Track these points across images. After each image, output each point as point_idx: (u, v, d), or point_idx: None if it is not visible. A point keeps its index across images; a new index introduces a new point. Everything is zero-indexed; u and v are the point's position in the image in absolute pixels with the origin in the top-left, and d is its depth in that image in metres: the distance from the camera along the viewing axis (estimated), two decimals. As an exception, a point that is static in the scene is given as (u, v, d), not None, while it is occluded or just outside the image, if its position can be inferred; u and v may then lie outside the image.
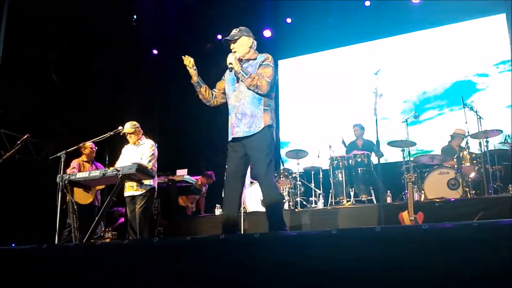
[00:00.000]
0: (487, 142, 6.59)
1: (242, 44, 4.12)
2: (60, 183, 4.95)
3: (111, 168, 5.01)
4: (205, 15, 9.73)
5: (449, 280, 2.14)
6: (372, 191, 7.25)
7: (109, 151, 9.04)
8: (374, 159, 7.47)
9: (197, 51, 10.38)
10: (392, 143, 7.46)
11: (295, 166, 8.01)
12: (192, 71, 4.18)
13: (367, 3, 9.39)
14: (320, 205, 7.46)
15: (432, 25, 9.27)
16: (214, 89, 4.30)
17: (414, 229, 2.82)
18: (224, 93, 4.25)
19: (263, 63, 4.02)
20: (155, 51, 10.63)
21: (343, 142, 8.14)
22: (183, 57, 4.14)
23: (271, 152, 3.94)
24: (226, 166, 4.09)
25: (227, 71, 4.16)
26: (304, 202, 7.67)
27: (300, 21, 9.98)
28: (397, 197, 7.15)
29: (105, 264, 2.97)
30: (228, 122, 4.10)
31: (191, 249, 2.78)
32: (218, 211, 7.63)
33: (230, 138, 4.05)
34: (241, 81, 3.99)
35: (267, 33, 10.27)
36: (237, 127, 3.96)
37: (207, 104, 4.31)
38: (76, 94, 8.81)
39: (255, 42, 4.20)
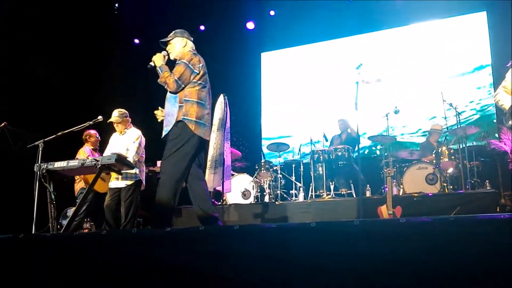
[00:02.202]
0: (465, 138, 6.69)
1: (175, 46, 4.29)
2: (38, 172, 4.88)
3: (89, 158, 4.95)
4: (188, 5, 9.64)
5: (426, 273, 2.17)
6: (352, 185, 7.30)
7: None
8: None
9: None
10: (372, 137, 7.54)
11: (276, 159, 8.04)
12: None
13: (350, -2, 9.42)
14: (301, 198, 7.49)
15: (414, 21, 9.34)
16: None
17: (392, 223, 2.84)
18: None
19: (177, 61, 4.15)
20: (136, 41, 10.53)
21: (324, 137, 8.17)
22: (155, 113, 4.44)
23: (176, 146, 4.02)
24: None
25: None
26: (285, 195, 7.70)
27: (284, 14, 9.96)
28: (376, 191, 7.22)
29: (81, 255, 2.93)
30: None
31: (170, 241, 2.76)
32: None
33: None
34: None
35: (250, 25, 10.24)
36: (164, 128, 4.15)
37: None
38: (57, 82, 8.66)
39: (190, 43, 4.35)
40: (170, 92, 4.13)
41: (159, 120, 4.37)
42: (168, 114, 4.12)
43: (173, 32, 4.34)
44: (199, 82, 4.15)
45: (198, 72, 4.13)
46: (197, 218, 4.10)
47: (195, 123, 4.05)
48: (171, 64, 4.27)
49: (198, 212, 4.10)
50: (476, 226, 2.22)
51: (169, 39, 4.30)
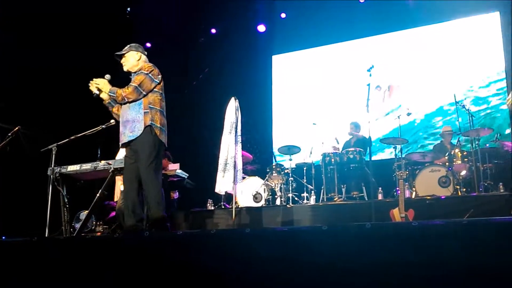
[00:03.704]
0: (478, 140, 6.63)
1: (129, 58, 4.49)
2: (51, 176, 4.93)
3: (102, 162, 4.99)
4: (199, 9, 9.69)
5: (438, 276, 2.16)
6: (363, 188, 7.27)
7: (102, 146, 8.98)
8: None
9: (190, 44, 10.40)
10: (384, 140, 7.50)
11: (287, 161, 8.04)
12: (103, 95, 4.53)
13: (362, 0, 9.37)
14: (312, 201, 7.47)
15: (426, 23, 9.28)
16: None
17: (404, 226, 2.83)
18: None
19: (137, 72, 4.40)
20: (148, 44, 10.59)
21: (337, 141, 8.16)
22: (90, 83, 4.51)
23: (154, 152, 4.25)
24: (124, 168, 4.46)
25: None
26: (296, 198, 7.68)
27: (295, 17, 9.95)
28: (388, 194, 7.17)
29: (96, 258, 2.96)
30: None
31: (183, 244, 2.78)
32: (211, 206, 7.64)
33: (120, 145, 4.44)
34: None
35: (261, 28, 10.24)
36: (123, 134, 4.33)
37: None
38: (70, 85, 8.72)
39: (144, 57, 4.56)
40: (131, 101, 4.30)
41: (91, 88, 4.46)
42: (133, 120, 4.27)
43: (128, 46, 4.54)
44: (160, 92, 4.42)
45: (158, 81, 4.39)
46: (149, 222, 4.33)
47: (159, 129, 4.31)
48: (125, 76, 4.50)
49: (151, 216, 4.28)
50: (489, 229, 2.20)
51: (124, 52, 4.49)
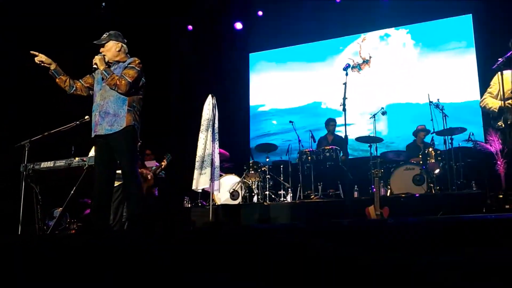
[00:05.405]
0: (452, 139, 6.75)
1: (110, 48, 4.32)
2: (24, 172, 4.84)
3: (77, 158, 4.92)
4: (175, 5, 9.60)
5: (413, 274, 2.18)
6: (339, 186, 7.33)
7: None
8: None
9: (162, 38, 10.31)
10: (360, 139, 7.58)
11: (264, 159, 8.06)
12: (48, 63, 4.34)
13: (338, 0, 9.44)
14: (289, 198, 7.51)
15: (401, 24, 9.42)
16: (79, 80, 4.46)
17: (379, 223, 2.86)
18: (89, 88, 4.44)
19: (128, 65, 4.23)
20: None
21: (312, 137, 8.19)
22: (32, 53, 4.30)
23: (134, 150, 4.24)
24: (94, 163, 4.38)
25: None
26: (273, 196, 7.70)
27: (272, 15, 9.96)
28: (364, 191, 7.25)
29: (68, 258, 2.91)
30: (92, 119, 4.30)
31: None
32: (188, 204, 7.61)
33: (92, 135, 4.25)
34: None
35: (238, 26, 10.23)
36: (100, 125, 4.16)
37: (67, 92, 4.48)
38: (43, 80, 8.55)
39: (125, 46, 4.42)
40: (119, 93, 4.14)
41: (38, 61, 4.28)
42: (114, 114, 4.13)
43: (107, 34, 4.36)
44: (142, 92, 4.32)
45: (144, 81, 4.31)
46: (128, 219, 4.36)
47: (138, 129, 4.24)
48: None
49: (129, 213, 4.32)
50: (462, 226, 2.24)
51: (103, 42, 4.33)
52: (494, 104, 4.70)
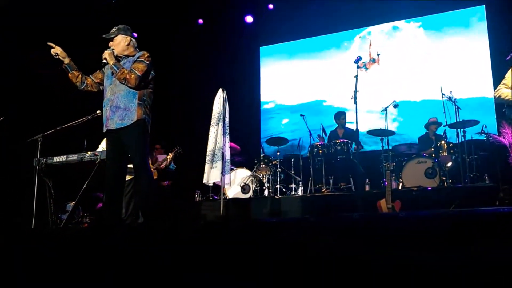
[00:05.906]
0: (464, 132, 6.69)
1: (119, 42, 4.32)
2: (37, 167, 4.89)
3: (89, 153, 4.95)
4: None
5: (424, 268, 2.17)
6: (351, 179, 7.30)
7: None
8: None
9: (177, 35, 10.31)
10: (371, 132, 7.54)
11: (275, 153, 8.06)
12: (63, 56, 4.36)
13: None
14: (300, 192, 7.50)
15: (415, 15, 9.32)
16: (90, 76, 4.47)
17: (391, 217, 2.85)
18: (100, 83, 4.45)
19: (138, 59, 4.22)
20: (134, 34, 10.46)
21: (323, 130, 8.16)
22: (49, 44, 4.33)
23: (145, 144, 4.22)
24: (106, 157, 4.39)
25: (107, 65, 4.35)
26: (284, 189, 7.70)
27: (282, 8, 9.91)
28: (375, 185, 7.22)
29: (80, 250, 2.93)
30: (103, 114, 4.31)
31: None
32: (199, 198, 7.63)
33: (104, 130, 4.26)
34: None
35: (249, 19, 10.19)
36: (111, 120, 4.17)
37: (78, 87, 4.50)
38: (56, 76, 8.60)
39: (134, 40, 4.42)
40: (129, 87, 4.14)
41: (54, 53, 4.31)
42: (125, 108, 4.13)
43: (116, 28, 4.35)
44: (151, 85, 4.31)
45: (154, 74, 4.31)
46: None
47: (149, 123, 4.23)
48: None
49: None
50: (475, 220, 2.22)
51: (112, 35, 4.32)
52: (509, 93, 4.67)
